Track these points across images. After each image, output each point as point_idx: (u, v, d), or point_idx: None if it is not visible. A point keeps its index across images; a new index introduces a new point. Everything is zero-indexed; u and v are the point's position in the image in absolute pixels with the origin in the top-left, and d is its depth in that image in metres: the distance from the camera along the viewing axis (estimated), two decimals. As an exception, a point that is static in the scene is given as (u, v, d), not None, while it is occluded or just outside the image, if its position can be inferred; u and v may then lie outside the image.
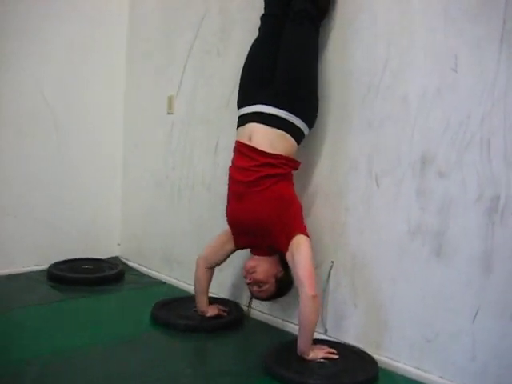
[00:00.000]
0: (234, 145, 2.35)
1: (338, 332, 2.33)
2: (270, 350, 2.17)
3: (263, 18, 2.42)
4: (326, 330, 2.37)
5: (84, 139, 3.35)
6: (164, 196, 3.22)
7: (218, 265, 2.50)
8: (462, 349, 1.96)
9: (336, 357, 2.10)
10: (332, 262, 2.34)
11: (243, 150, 2.25)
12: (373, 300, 2.22)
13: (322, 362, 2.07)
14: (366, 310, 2.24)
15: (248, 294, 2.52)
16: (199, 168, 2.98)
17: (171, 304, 2.69)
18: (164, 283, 3.13)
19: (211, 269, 2.50)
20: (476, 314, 1.92)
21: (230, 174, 2.33)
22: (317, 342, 2.18)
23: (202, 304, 2.52)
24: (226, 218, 2.38)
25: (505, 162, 1.84)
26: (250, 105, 2.29)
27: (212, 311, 2.52)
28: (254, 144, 2.21)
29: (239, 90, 2.40)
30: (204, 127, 2.94)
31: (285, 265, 2.26)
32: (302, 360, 2.07)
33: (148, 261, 3.34)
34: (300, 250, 2.12)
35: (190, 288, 2.77)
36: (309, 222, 2.28)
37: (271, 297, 2.37)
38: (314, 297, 2.04)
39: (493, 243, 1.87)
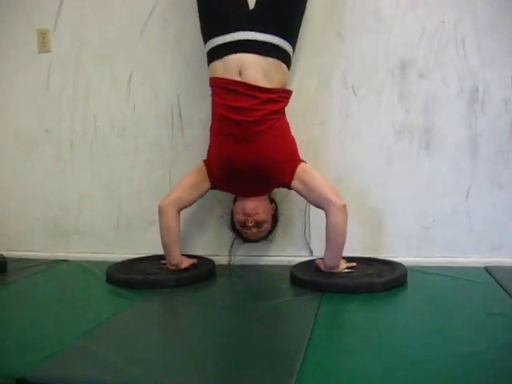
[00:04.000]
0: (210, 81, 2.09)
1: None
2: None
3: None
4: (311, 252, 2.34)
5: None
6: (43, 156, 2.58)
7: (186, 207, 2.18)
8: (458, 225, 2.24)
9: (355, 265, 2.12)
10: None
11: (236, 89, 1.99)
12: (364, 207, 2.29)
13: (349, 273, 2.06)
14: (358, 218, 2.29)
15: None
16: (103, 112, 2.48)
17: (125, 267, 2.22)
18: (64, 261, 2.50)
19: (179, 213, 2.16)
20: (468, 191, 2.23)
21: (220, 115, 2.04)
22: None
23: (175, 255, 2.15)
24: (208, 163, 2.15)
25: (479, 58, 2.18)
26: (231, 32, 2.01)
27: (187, 262, 2.19)
28: (248, 80, 1.98)
29: (208, 16, 2.10)
30: (104, 62, 2.46)
31: (271, 200, 2.24)
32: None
33: (28, 243, 2.61)
34: (312, 174, 2.07)
35: (103, 257, 2.47)
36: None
37: (266, 236, 2.26)
38: (345, 206, 1.99)
39: (477, 128, 2.20)
